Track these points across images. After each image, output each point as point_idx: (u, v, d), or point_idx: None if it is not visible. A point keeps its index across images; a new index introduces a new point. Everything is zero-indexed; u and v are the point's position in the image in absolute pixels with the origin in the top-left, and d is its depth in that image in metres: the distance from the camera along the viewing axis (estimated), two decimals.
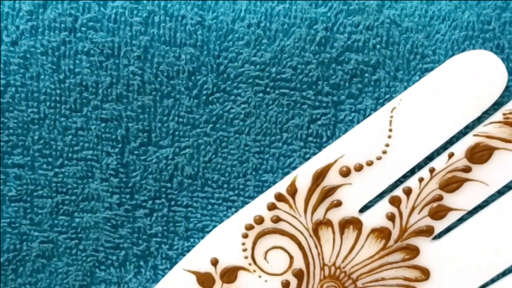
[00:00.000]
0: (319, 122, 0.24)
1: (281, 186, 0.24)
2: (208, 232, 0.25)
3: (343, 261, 0.24)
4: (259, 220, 0.24)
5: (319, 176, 0.23)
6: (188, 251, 0.25)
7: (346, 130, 0.24)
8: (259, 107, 0.25)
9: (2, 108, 0.25)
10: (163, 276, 0.25)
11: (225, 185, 0.25)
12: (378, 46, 0.24)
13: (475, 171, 0.23)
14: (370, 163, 0.23)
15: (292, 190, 0.23)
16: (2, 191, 0.25)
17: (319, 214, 0.23)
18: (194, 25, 0.24)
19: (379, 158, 0.23)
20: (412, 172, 0.23)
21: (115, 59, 0.24)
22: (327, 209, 0.23)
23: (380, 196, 0.23)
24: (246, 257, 0.24)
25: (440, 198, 0.23)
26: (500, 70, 0.22)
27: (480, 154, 0.23)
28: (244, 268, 0.24)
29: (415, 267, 0.23)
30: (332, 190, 0.23)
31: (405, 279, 0.24)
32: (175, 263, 0.25)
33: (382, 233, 0.23)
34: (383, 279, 0.24)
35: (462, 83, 0.22)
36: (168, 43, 0.24)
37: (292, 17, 0.24)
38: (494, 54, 0.22)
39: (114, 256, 0.26)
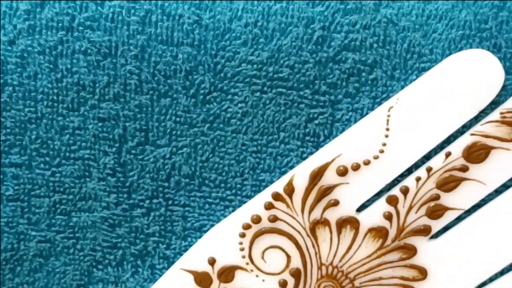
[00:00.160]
0: (316, 121, 0.24)
1: (278, 186, 0.23)
2: (205, 231, 0.25)
3: (340, 261, 0.24)
4: (256, 220, 0.24)
5: (316, 175, 0.23)
6: (185, 250, 0.25)
7: (343, 130, 0.24)
8: (256, 107, 0.25)
9: (0, 107, 0.25)
10: (160, 275, 0.25)
11: (223, 185, 0.25)
12: (375, 45, 0.24)
13: (472, 170, 0.23)
14: (367, 162, 0.23)
15: (289, 189, 0.23)
16: (0, 191, 0.25)
17: (316, 214, 0.23)
18: (191, 24, 0.24)
19: (376, 158, 0.23)
20: (409, 171, 0.23)
21: (112, 58, 0.24)
22: (324, 209, 0.23)
23: (378, 195, 0.23)
24: (243, 257, 0.24)
25: (437, 197, 0.23)
26: (497, 69, 0.22)
27: (477, 154, 0.22)
28: (242, 268, 0.24)
29: (413, 266, 0.23)
30: (329, 189, 0.23)
31: (403, 278, 0.24)
32: (173, 262, 0.25)
33: (379, 232, 0.23)
34: (380, 278, 0.24)
35: (459, 82, 0.22)
36: (165, 42, 0.24)
37: (289, 16, 0.24)
38: (491, 53, 0.22)
39: (111, 255, 0.26)
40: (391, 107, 0.23)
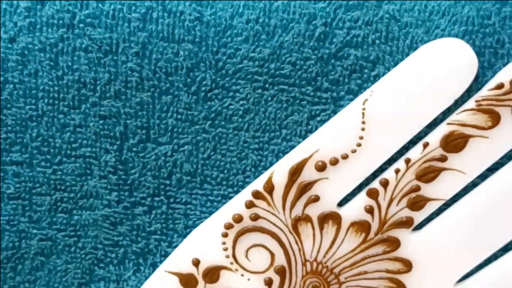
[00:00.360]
0: (318, 118, 0.24)
1: (258, 184, 0.23)
2: None
3: (324, 256, 0.24)
4: (238, 219, 0.23)
5: (295, 171, 0.23)
6: None
7: None
8: (258, 104, 0.24)
9: (0, 105, 0.25)
10: None
11: (224, 182, 0.25)
12: (377, 41, 0.24)
13: (451, 160, 0.22)
14: (345, 157, 0.23)
15: (269, 187, 0.23)
16: (1, 189, 0.25)
17: (297, 210, 0.23)
18: (192, 21, 0.24)
19: (354, 151, 0.23)
20: (388, 164, 0.23)
21: (113, 55, 0.24)
22: (305, 205, 0.23)
23: (358, 189, 0.23)
24: (227, 256, 0.24)
25: (417, 188, 0.23)
26: (470, 57, 0.22)
27: (455, 143, 0.22)
28: (226, 268, 0.24)
29: (397, 259, 0.23)
30: (309, 185, 0.23)
31: (388, 271, 0.23)
32: None
33: (361, 226, 0.23)
34: (365, 272, 0.24)
35: (433, 71, 0.22)
36: (166, 39, 0.24)
37: (291, 13, 0.24)
38: (463, 40, 0.22)
39: (113, 253, 0.26)
40: (366, 99, 0.23)
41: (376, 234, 0.23)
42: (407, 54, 0.24)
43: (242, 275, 0.24)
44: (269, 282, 0.24)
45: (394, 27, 0.24)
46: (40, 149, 0.25)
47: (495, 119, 0.22)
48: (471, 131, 0.22)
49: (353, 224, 0.23)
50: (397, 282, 0.23)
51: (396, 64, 0.24)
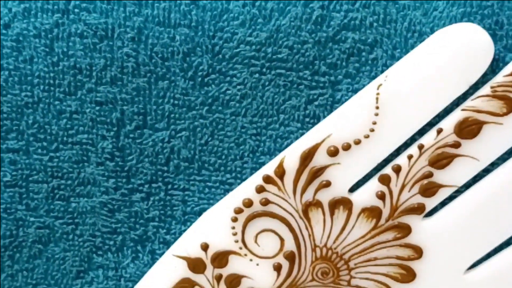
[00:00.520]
0: (316, 103, 0.24)
1: (269, 168, 0.23)
2: None
3: (334, 242, 0.23)
4: (248, 203, 0.23)
5: (307, 156, 0.23)
6: None
7: None
8: (255, 88, 0.24)
9: None
10: None
11: (222, 168, 0.25)
12: (375, 24, 0.23)
13: (464, 146, 0.22)
14: (358, 142, 0.23)
15: (280, 171, 0.23)
16: None
17: (308, 195, 0.23)
18: (188, 5, 0.24)
19: (366, 137, 0.22)
20: (401, 149, 0.23)
21: (108, 41, 0.24)
22: (316, 190, 0.23)
23: (370, 175, 0.23)
24: (236, 241, 0.24)
25: (430, 175, 0.23)
26: (486, 42, 0.22)
27: (469, 129, 0.22)
28: (235, 252, 0.24)
29: (408, 245, 0.23)
30: (320, 170, 0.23)
31: (398, 258, 0.23)
32: None
33: (372, 212, 0.23)
34: (375, 258, 0.23)
35: (448, 57, 0.22)
36: (162, 24, 0.24)
37: None
38: (479, 26, 0.22)
39: (111, 241, 0.26)
40: (380, 84, 0.22)
41: (387, 220, 0.23)
42: (405, 37, 0.23)
43: (251, 260, 0.24)
44: (278, 267, 0.24)
45: (392, 9, 0.23)
46: (36, 136, 0.25)
47: (510, 105, 0.22)
48: (485, 118, 0.22)
49: (364, 210, 0.23)
50: (407, 268, 0.23)
51: (394, 47, 0.24)
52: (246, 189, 0.23)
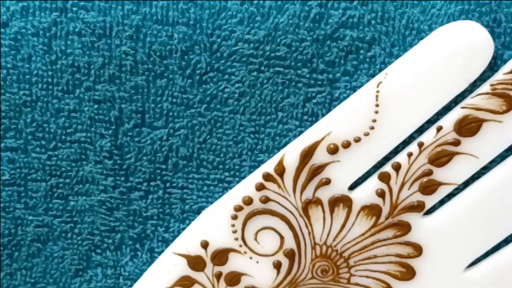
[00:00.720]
0: (314, 101, 0.24)
1: (269, 166, 0.23)
2: None
3: (334, 240, 0.23)
4: (248, 201, 0.23)
5: (307, 154, 0.23)
6: None
7: None
8: (253, 86, 0.24)
9: None
10: None
11: (221, 166, 0.25)
12: (373, 21, 0.23)
13: (464, 144, 0.22)
14: (357, 140, 0.23)
15: (280, 169, 0.23)
16: None
17: (308, 193, 0.23)
18: (186, 3, 0.24)
19: (366, 134, 0.22)
20: (400, 147, 0.23)
21: (107, 39, 0.24)
22: (316, 188, 0.23)
23: (369, 172, 0.23)
24: (236, 239, 0.24)
25: (430, 172, 0.23)
26: (486, 40, 0.22)
27: (469, 127, 0.22)
28: (235, 250, 0.24)
29: (407, 243, 0.23)
30: (320, 168, 0.23)
31: (398, 255, 0.23)
32: None
33: (372, 210, 0.23)
34: (375, 256, 0.23)
35: (448, 54, 0.22)
36: (160, 22, 0.24)
37: None
38: (479, 24, 0.22)
39: (110, 239, 0.26)
40: (380, 82, 0.22)
41: (386, 218, 0.23)
42: (403, 34, 0.23)
43: (251, 258, 0.24)
44: (278, 265, 0.24)
45: (389, 7, 0.23)
46: (34, 135, 0.25)
47: (510, 103, 0.22)
48: (485, 115, 0.22)
49: (364, 207, 0.23)
50: (407, 266, 0.23)
51: (392, 44, 0.24)
52: (246, 186, 0.23)
